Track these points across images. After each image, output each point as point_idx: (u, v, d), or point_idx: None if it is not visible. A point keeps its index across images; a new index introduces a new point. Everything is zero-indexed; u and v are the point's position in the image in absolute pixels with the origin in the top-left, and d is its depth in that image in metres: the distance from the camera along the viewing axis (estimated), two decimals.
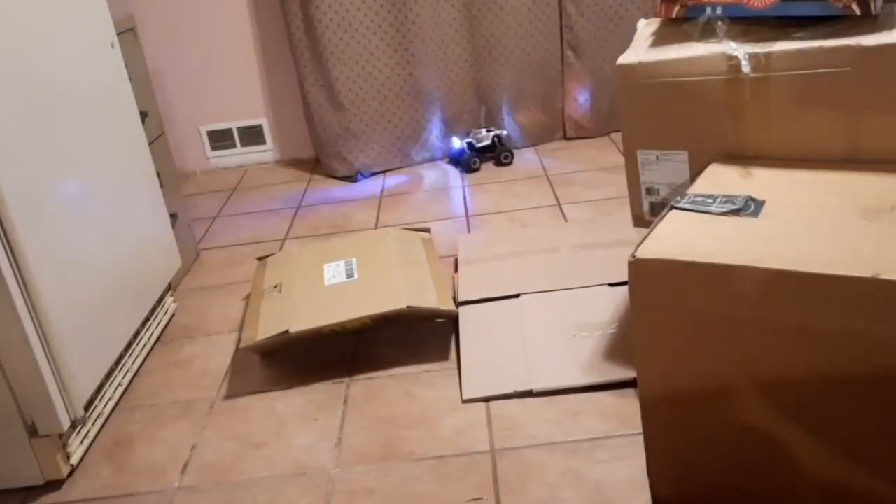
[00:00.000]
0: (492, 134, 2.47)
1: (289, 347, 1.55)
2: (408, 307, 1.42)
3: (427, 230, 1.86)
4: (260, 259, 1.83)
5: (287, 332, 1.42)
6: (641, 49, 1.19)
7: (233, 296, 1.83)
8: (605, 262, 1.65)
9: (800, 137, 1.10)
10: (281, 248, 2.07)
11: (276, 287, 1.61)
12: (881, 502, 0.88)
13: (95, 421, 1.37)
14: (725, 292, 0.87)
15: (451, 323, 1.57)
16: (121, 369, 1.48)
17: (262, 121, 2.73)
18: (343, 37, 2.37)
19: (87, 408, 1.33)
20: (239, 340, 1.62)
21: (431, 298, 1.48)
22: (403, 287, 1.48)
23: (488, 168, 2.45)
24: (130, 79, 1.66)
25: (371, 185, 2.44)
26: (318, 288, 1.55)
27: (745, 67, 1.09)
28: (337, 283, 1.55)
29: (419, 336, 1.55)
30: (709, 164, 1.14)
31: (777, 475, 0.94)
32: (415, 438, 1.26)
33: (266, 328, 1.46)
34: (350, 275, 1.56)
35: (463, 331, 1.50)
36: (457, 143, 2.51)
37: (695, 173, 1.16)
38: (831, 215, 0.94)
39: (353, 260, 1.62)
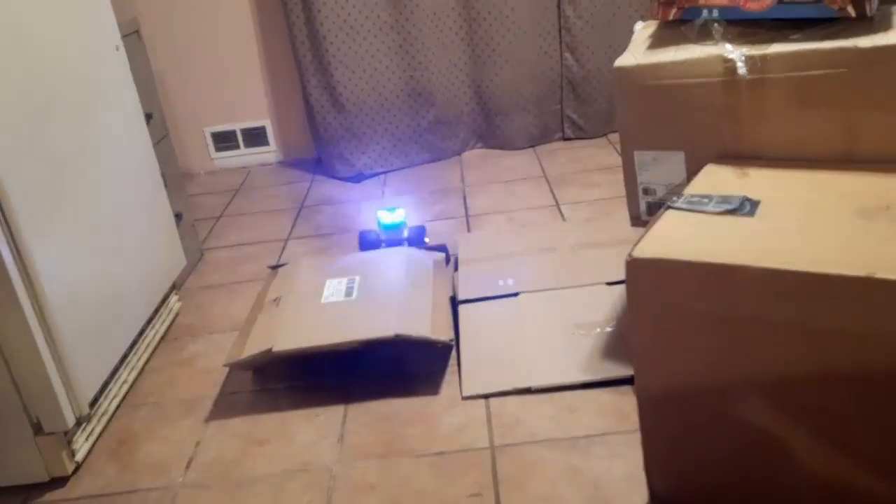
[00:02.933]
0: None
1: (276, 365, 1.51)
2: (395, 335, 1.38)
3: (442, 247, 1.79)
4: (272, 268, 1.81)
5: (270, 350, 1.39)
6: (639, 51, 1.20)
7: (236, 295, 1.85)
8: (602, 261, 1.67)
9: (796, 138, 1.11)
10: (283, 248, 2.08)
11: (275, 300, 1.58)
12: (880, 500, 0.88)
13: (100, 418, 1.38)
14: (721, 291, 0.88)
15: (451, 321, 1.57)
16: (126, 367, 1.50)
17: (266, 122, 2.74)
18: (345, 39, 2.38)
19: (91, 405, 1.34)
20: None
21: (424, 327, 1.43)
22: (397, 313, 1.44)
23: (487, 168, 2.46)
24: (135, 81, 1.67)
25: (372, 186, 2.45)
26: (312, 305, 1.51)
27: (742, 69, 1.09)
28: (332, 302, 1.51)
29: None
30: (705, 164, 1.15)
31: (774, 473, 0.94)
32: (415, 435, 1.28)
33: (252, 345, 1.44)
34: (349, 294, 1.52)
35: (463, 329, 1.51)
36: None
37: (691, 174, 1.17)
38: (827, 215, 0.94)
39: (357, 278, 1.58)
